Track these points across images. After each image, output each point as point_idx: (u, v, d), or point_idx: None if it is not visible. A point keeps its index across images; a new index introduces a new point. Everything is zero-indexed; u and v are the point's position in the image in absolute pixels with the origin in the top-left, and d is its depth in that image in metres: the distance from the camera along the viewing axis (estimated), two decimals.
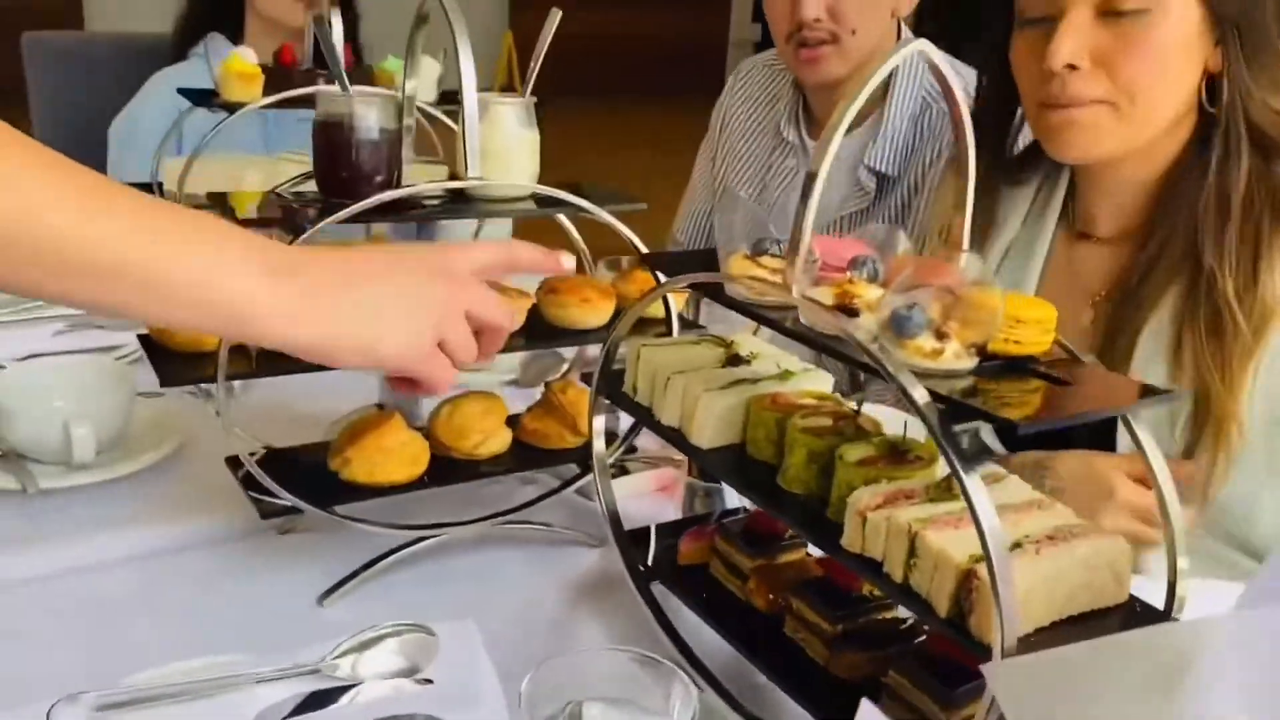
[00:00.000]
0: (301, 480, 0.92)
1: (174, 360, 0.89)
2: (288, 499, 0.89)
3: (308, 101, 1.26)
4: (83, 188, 0.60)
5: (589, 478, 1.03)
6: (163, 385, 0.86)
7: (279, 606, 0.93)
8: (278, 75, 1.38)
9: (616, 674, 0.68)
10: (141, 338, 0.93)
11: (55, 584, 0.94)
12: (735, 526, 0.84)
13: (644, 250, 0.96)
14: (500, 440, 1.02)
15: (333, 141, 0.90)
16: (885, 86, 1.63)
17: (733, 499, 1.00)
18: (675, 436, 0.81)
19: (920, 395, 0.58)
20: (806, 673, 0.75)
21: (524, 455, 1.04)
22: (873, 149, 1.62)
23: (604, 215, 0.96)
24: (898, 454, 0.71)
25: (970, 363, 0.63)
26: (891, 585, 0.64)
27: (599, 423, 0.89)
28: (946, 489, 0.66)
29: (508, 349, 1.03)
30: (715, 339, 0.89)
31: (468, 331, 0.75)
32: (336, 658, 0.77)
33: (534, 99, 0.97)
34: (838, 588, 0.76)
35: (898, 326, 0.62)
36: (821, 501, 0.71)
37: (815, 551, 0.84)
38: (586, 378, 1.00)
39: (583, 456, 1.05)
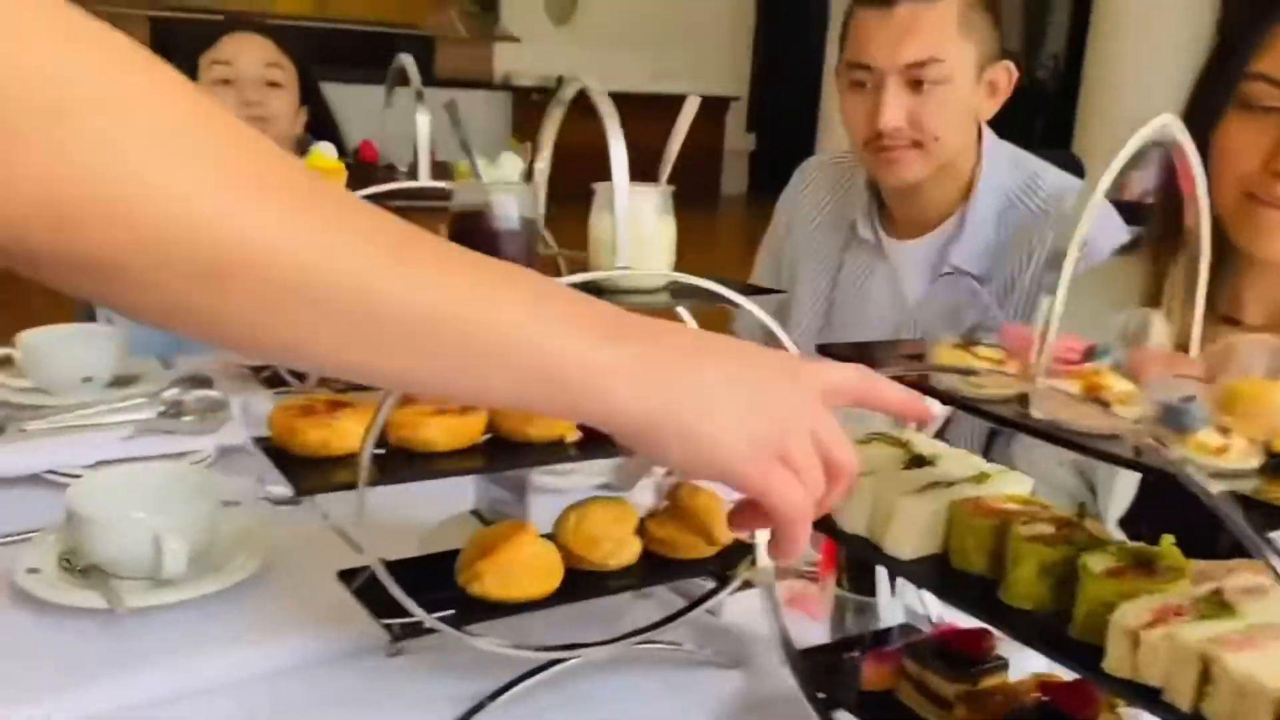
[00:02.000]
0: (426, 595, 0.84)
1: (302, 466, 0.82)
2: (421, 617, 0.81)
3: (391, 195, 1.22)
4: (397, 242, 0.53)
5: (724, 594, 0.95)
6: (299, 494, 0.79)
7: None
8: (360, 171, 1.34)
9: None
10: (261, 441, 0.86)
11: (150, 714, 0.85)
12: (926, 648, 0.76)
13: (791, 345, 0.90)
14: (630, 550, 0.95)
15: (472, 231, 0.85)
16: (969, 184, 1.60)
17: (888, 615, 0.93)
18: (862, 546, 0.74)
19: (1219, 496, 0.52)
20: None
21: (655, 567, 0.96)
22: (956, 248, 1.59)
23: (751, 306, 0.90)
24: (1144, 564, 0.64)
25: (1256, 460, 0.57)
26: (1175, 715, 0.56)
27: (761, 536, 0.82)
28: (1219, 604, 0.59)
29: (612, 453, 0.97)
30: (888, 437, 0.83)
31: (814, 454, 0.60)
32: None
33: (672, 187, 0.93)
34: (1065, 716, 0.68)
35: (1174, 420, 0.56)
36: (1056, 617, 0.64)
37: (1017, 673, 0.76)
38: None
39: (719, 568, 0.97)
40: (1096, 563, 0.63)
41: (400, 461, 0.82)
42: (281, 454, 0.83)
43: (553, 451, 0.88)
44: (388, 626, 0.83)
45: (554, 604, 0.89)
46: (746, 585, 1.09)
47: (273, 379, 1.39)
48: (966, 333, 0.68)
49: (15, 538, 1.07)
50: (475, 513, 1.17)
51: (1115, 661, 0.59)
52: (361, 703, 0.89)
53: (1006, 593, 0.66)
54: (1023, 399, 0.64)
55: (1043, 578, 0.65)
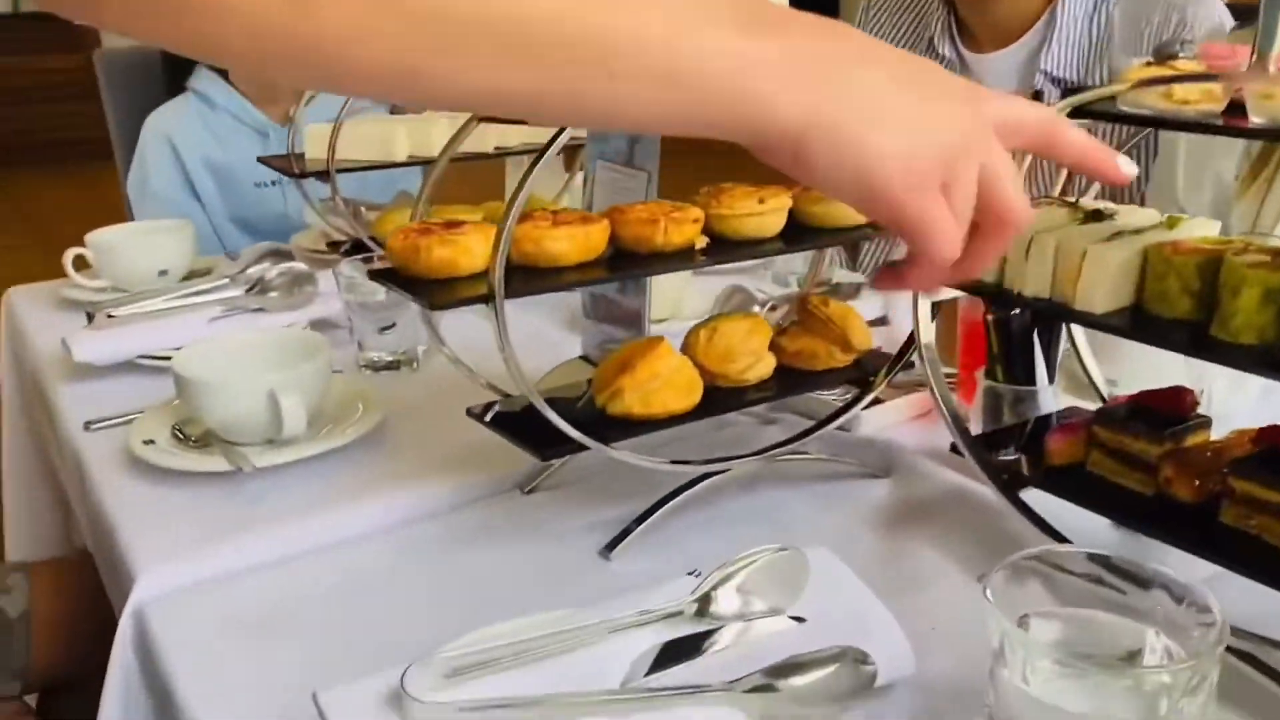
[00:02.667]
0: (567, 418, 0.80)
1: (428, 285, 0.77)
2: (573, 434, 0.77)
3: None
4: None
5: (870, 395, 0.90)
6: (432, 309, 0.74)
7: (558, 565, 0.81)
8: None
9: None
10: (378, 272, 0.81)
11: (302, 565, 0.83)
12: (1120, 413, 0.71)
13: None
14: (766, 363, 0.90)
15: None
16: None
17: (1046, 402, 0.87)
18: (1047, 307, 0.68)
19: None
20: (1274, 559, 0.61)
21: (793, 379, 0.91)
22: (1048, 54, 1.50)
23: None
24: None
25: None
26: None
27: (924, 308, 0.76)
28: None
29: (762, 253, 0.92)
30: (1057, 199, 0.76)
31: (975, 188, 0.51)
32: (693, 602, 0.65)
33: None
34: None
35: None
36: None
37: (1219, 431, 0.71)
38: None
39: (859, 376, 0.92)
40: None
41: (529, 274, 0.77)
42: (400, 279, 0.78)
43: (680, 258, 0.82)
44: (537, 451, 0.79)
45: (695, 419, 0.85)
46: (876, 402, 1.05)
47: (354, 249, 1.34)
48: (1159, 50, 0.61)
49: (119, 419, 1.04)
50: (584, 358, 1.13)
51: None
52: (508, 538, 0.85)
53: (1223, 327, 0.61)
54: (1235, 108, 0.57)
55: (1266, 306, 0.59)
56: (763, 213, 0.83)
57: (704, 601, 0.64)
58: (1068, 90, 1.47)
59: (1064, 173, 1.06)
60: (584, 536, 0.85)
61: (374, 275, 0.82)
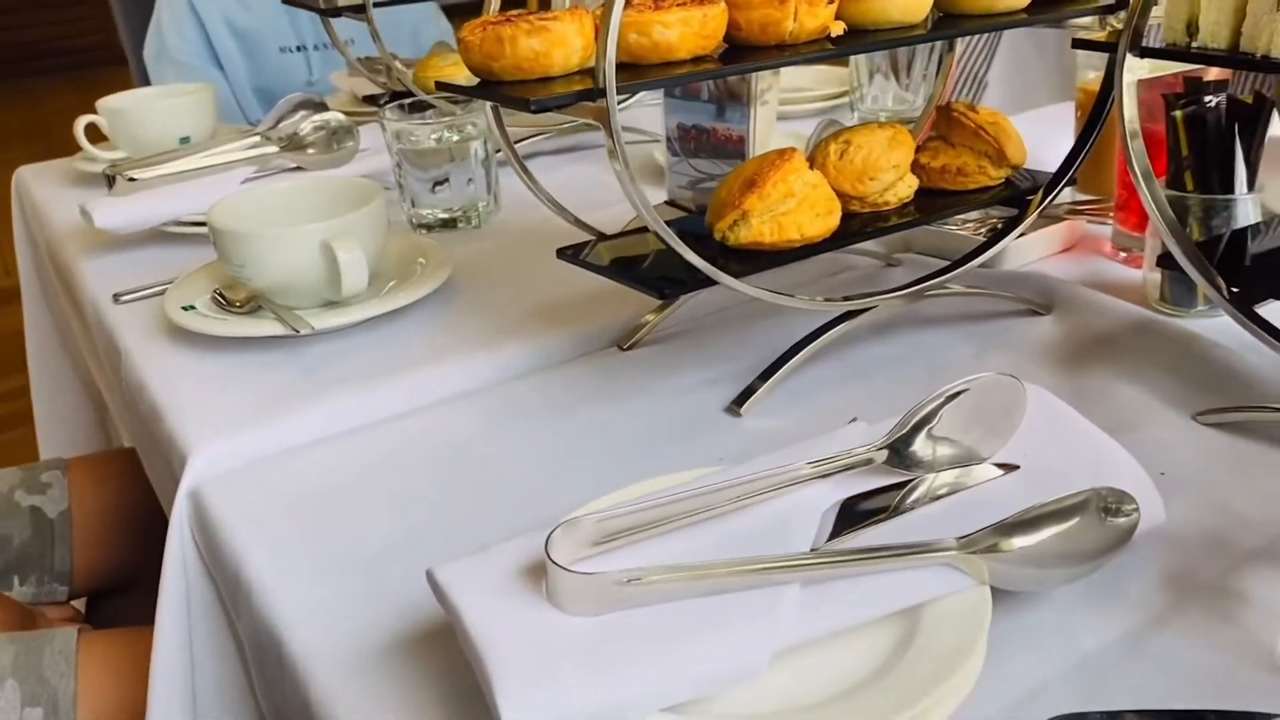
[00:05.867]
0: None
1: (517, 87, 0.62)
2: (701, 265, 0.63)
3: None
4: None
5: (1031, 217, 0.76)
6: (535, 110, 0.59)
7: (683, 423, 0.69)
8: None
9: None
10: (445, 86, 0.67)
11: (373, 437, 0.71)
12: None
13: None
14: (908, 184, 0.76)
15: None
16: None
17: (1247, 215, 0.73)
18: (1235, 63, 0.54)
19: None
20: None
21: (940, 201, 0.77)
22: None
23: None
24: None
25: None
26: None
27: (1128, 92, 0.62)
28: None
29: (908, 41, 0.77)
30: None
31: None
32: (883, 447, 0.52)
33: None
34: None
35: None
36: None
37: None
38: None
39: (1014, 195, 0.78)
40: None
41: (641, 70, 0.63)
42: (486, 86, 0.64)
43: (810, 48, 0.68)
44: (653, 290, 0.66)
45: (833, 247, 0.71)
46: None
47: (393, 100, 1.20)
48: None
49: (152, 290, 0.92)
50: (671, 203, 0.99)
51: None
52: (613, 398, 0.73)
53: None
54: None
55: None
56: None
57: (899, 445, 0.51)
58: None
59: None
60: (705, 392, 0.72)
61: (442, 86, 0.68)
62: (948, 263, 0.79)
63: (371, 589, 0.55)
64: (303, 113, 1.10)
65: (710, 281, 0.65)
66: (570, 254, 0.74)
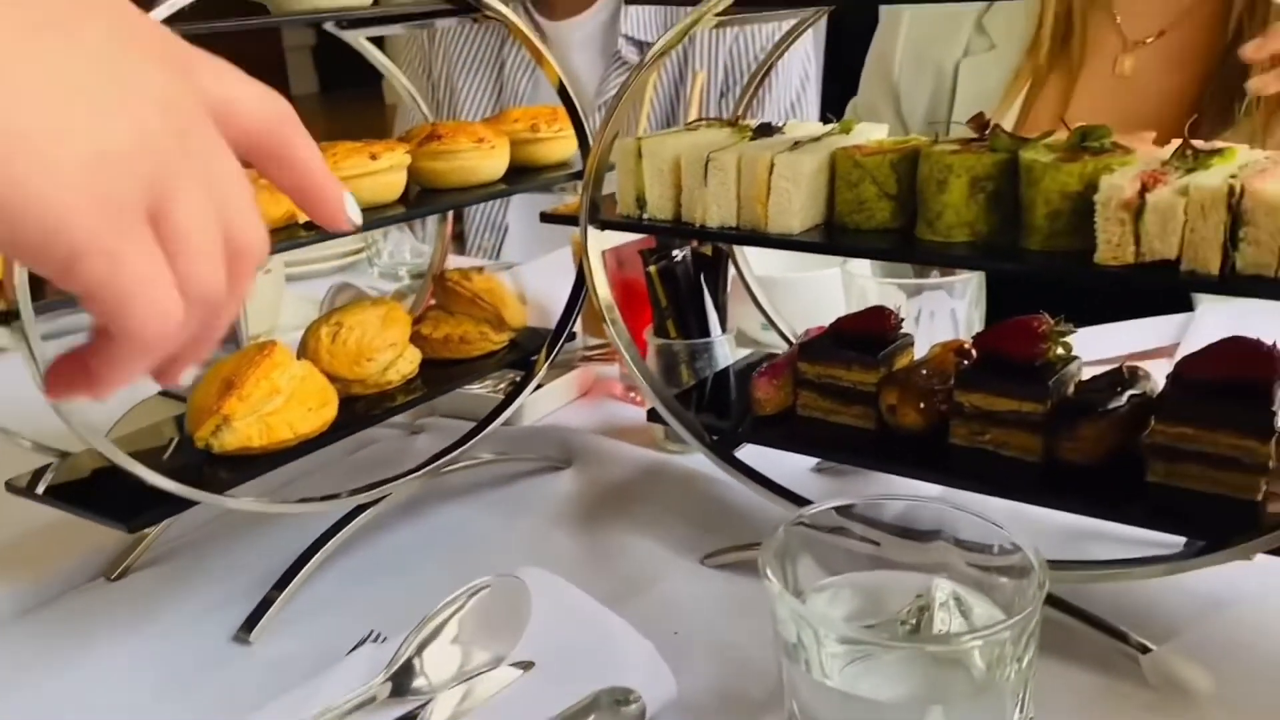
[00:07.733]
0: (164, 465, 0.59)
1: None
2: (169, 488, 0.56)
3: None
4: None
5: (525, 393, 0.77)
6: None
7: (178, 663, 0.60)
8: None
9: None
10: None
11: None
12: (822, 346, 0.63)
13: None
14: (409, 359, 0.74)
15: None
16: None
17: (723, 355, 0.79)
18: (735, 236, 0.59)
19: None
20: (1019, 475, 0.56)
21: (445, 373, 0.76)
22: (625, 19, 1.45)
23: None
24: (1085, 149, 0.53)
25: None
26: (1207, 282, 0.47)
27: (595, 260, 0.64)
28: (1193, 157, 0.50)
29: (383, 221, 0.75)
30: (716, 121, 0.67)
31: (206, 203, 0.32)
32: (386, 680, 0.48)
33: None
34: (1009, 361, 0.58)
35: None
36: (1003, 235, 0.53)
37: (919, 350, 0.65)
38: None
39: (519, 358, 0.79)
40: (1042, 155, 0.52)
41: None
42: None
43: (277, 235, 0.64)
44: (120, 522, 0.57)
45: (332, 440, 0.67)
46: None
47: None
48: None
49: None
50: (165, 393, 0.89)
51: (1109, 249, 0.49)
52: (100, 639, 0.62)
53: (933, 226, 0.54)
54: None
55: (975, 196, 0.53)
56: (376, 171, 0.67)
57: (402, 674, 0.48)
58: (642, 49, 1.44)
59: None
60: (208, 620, 0.64)
61: None
62: (472, 424, 0.78)
63: None
64: None
65: (190, 502, 0.58)
66: (24, 484, 0.63)
